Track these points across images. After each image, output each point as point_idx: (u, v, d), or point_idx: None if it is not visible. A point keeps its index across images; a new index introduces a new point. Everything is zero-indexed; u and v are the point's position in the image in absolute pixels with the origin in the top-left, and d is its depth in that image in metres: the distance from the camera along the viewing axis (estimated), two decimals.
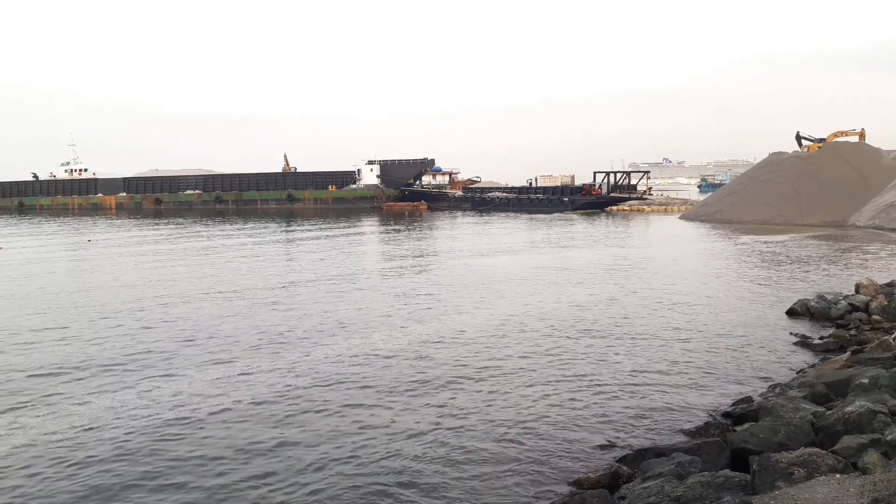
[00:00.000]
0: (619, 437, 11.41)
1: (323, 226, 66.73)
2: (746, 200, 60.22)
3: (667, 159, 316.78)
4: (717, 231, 51.49)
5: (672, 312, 21.32)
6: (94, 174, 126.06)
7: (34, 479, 10.12)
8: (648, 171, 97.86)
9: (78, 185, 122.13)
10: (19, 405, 13.29)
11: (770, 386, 13.72)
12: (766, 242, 41.51)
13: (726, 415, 12.10)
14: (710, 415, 12.20)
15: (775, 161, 64.04)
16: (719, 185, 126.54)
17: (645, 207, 79.38)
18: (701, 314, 21.04)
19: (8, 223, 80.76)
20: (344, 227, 63.96)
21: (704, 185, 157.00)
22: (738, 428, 10.86)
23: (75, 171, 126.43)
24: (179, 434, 11.67)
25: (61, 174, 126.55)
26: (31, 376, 15.16)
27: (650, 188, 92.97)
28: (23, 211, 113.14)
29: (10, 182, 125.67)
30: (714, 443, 10.04)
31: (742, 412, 11.87)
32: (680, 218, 66.33)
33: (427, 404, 13.11)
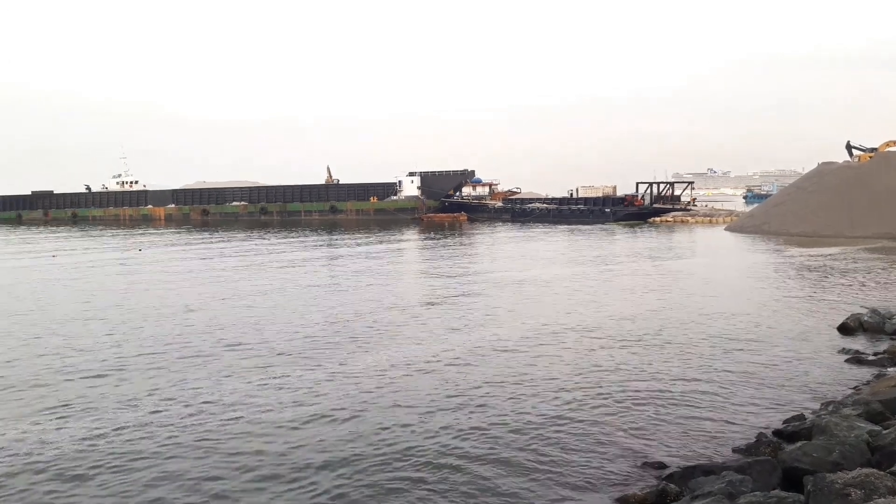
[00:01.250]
0: (666, 453, 11.28)
1: (366, 238, 67.39)
2: (795, 212, 58.79)
3: (711, 169, 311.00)
4: (764, 243, 50.39)
5: (718, 326, 20.95)
6: (144, 186, 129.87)
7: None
8: (692, 182, 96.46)
9: (129, 196, 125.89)
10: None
11: (823, 403, 13.39)
12: (815, 255, 40.47)
13: (777, 432, 11.85)
14: (761, 432, 11.95)
15: (825, 171, 62.43)
16: (766, 195, 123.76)
17: (689, 219, 78.13)
18: (749, 328, 20.63)
19: (61, 233, 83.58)
20: (385, 239, 64.51)
21: (750, 196, 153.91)
22: (789, 446, 10.63)
23: (126, 183, 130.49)
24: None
25: (113, 186, 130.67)
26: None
27: (694, 199, 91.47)
28: (76, 222, 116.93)
29: (64, 194, 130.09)
30: (765, 461, 9.86)
31: (794, 430, 11.62)
32: (725, 229, 65.11)
33: (467, 414, 13.14)
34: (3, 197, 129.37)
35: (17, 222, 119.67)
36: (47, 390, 15.26)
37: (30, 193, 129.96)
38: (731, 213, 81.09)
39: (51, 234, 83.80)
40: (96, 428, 12.73)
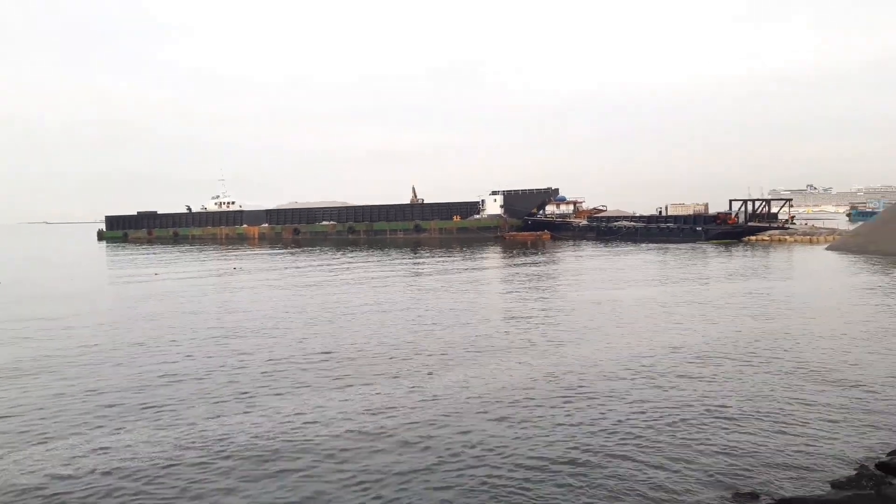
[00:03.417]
0: (758, 484, 10.76)
1: (449, 258, 67.92)
2: None
3: (811, 186, 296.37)
4: (870, 263, 47.36)
5: (818, 351, 19.84)
6: (240, 206, 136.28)
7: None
8: (791, 199, 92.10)
9: (225, 216, 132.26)
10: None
11: None
12: None
13: (881, 465, 11.07)
14: (863, 465, 11.22)
15: None
16: (872, 213, 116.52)
17: (787, 237, 74.41)
18: (850, 353, 19.43)
19: (164, 251, 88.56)
20: (468, 257, 64.81)
21: (856, 214, 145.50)
22: (894, 481, 9.92)
23: (224, 203, 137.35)
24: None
25: (211, 206, 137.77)
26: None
27: (793, 217, 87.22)
28: (177, 240, 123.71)
29: (166, 214, 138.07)
30: (868, 496, 9.28)
31: None
32: (827, 249, 61.65)
33: (561, 435, 12.99)
34: (111, 217, 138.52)
35: (124, 240, 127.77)
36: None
37: (135, 214, 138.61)
38: (833, 231, 76.76)
39: (174, 252, 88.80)
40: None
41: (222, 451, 12.66)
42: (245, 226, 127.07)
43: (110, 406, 15.75)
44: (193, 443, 13.12)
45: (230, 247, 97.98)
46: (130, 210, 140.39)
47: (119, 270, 59.28)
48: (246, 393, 16.62)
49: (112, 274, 56.14)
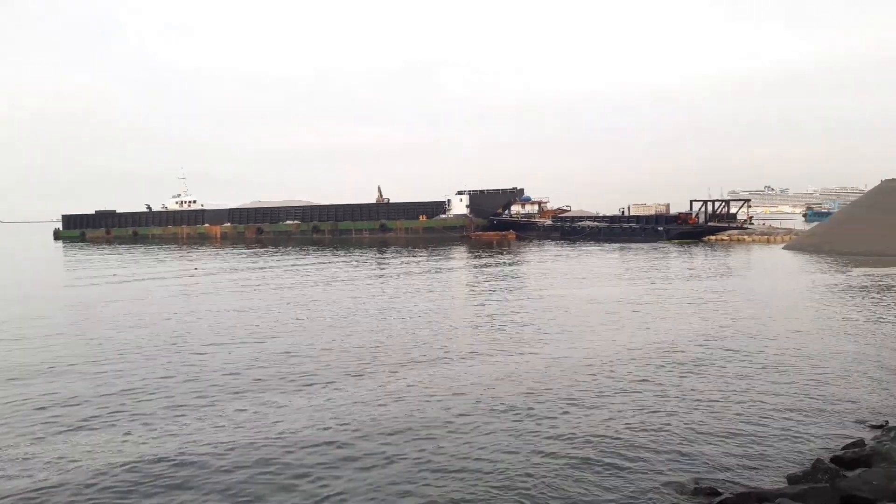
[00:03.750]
0: (718, 479, 10.90)
1: (415, 256, 67.81)
2: (858, 230, 56.65)
3: (769, 187, 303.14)
4: (825, 262, 48.64)
5: (775, 348, 20.25)
6: (202, 205, 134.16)
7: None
8: (749, 200, 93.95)
9: (187, 215, 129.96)
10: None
11: (884, 429, 12.75)
12: (880, 276, 38.83)
13: (835, 459, 11.32)
14: (818, 459, 11.44)
15: (889, 188, 60.13)
16: (827, 213, 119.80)
17: (746, 237, 76.03)
18: (807, 350, 19.87)
19: (123, 252, 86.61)
20: (434, 256, 64.76)
21: (812, 214, 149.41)
22: (849, 474, 10.15)
23: (185, 202, 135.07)
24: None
25: (172, 206, 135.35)
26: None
27: (751, 217, 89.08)
28: (137, 240, 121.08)
29: (126, 213, 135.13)
30: (822, 489, 9.45)
31: (853, 457, 11.09)
32: (784, 248, 63.14)
33: (511, 431, 12.99)
34: (68, 216, 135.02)
35: (81, 240, 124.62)
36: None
37: (93, 213, 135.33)
38: (790, 231, 78.70)
39: (138, 251, 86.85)
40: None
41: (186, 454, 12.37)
42: (207, 225, 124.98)
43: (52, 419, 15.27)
44: (150, 452, 12.79)
45: (192, 247, 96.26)
46: (89, 209, 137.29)
47: (72, 273, 57.73)
48: (203, 397, 16.28)
49: (67, 277, 54.61)
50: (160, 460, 11.97)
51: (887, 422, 13.46)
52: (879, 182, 62.89)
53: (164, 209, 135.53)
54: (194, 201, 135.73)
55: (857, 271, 41.74)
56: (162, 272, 53.11)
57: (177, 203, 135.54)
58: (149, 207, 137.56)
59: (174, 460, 11.96)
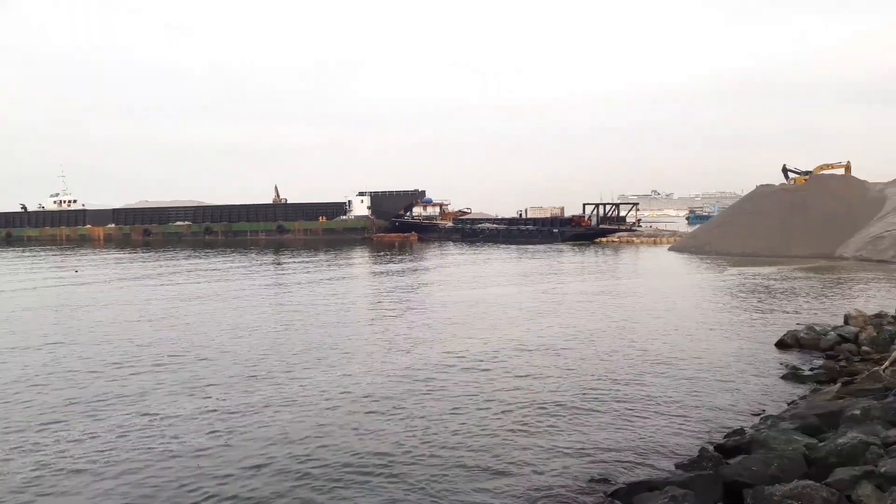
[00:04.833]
0: (610, 470, 11.28)
1: (313, 258, 66.57)
2: (735, 232, 60.67)
3: (655, 191, 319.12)
4: (705, 263, 51.75)
5: (660, 344, 21.28)
6: (83, 205, 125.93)
7: None
8: (637, 203, 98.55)
9: (66, 216, 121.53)
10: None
11: (762, 418, 13.65)
12: (754, 274, 41.71)
13: (719, 447, 11.98)
14: (703, 447, 12.07)
15: (763, 193, 64.72)
16: (708, 217, 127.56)
17: (634, 239, 79.77)
18: (690, 346, 21.01)
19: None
20: (334, 259, 63.82)
21: (693, 217, 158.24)
22: (730, 461, 10.76)
23: (64, 202, 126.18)
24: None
25: (50, 205, 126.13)
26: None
27: (639, 220, 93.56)
28: (10, 242, 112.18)
29: None
30: (707, 476, 9.93)
31: (734, 444, 11.77)
32: (669, 249, 66.67)
33: (409, 428, 12.94)
34: None
35: None
36: None
37: None
38: (674, 233, 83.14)
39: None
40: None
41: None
42: (89, 226, 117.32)
43: None
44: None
45: (71, 249, 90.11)
46: None
47: None
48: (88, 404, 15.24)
49: None
50: None
51: (764, 410, 14.42)
52: (755, 187, 67.52)
53: (41, 209, 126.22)
54: (74, 201, 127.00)
55: (732, 270, 44.65)
56: (35, 278, 49.42)
57: (55, 203, 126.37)
58: (24, 207, 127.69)
59: None
